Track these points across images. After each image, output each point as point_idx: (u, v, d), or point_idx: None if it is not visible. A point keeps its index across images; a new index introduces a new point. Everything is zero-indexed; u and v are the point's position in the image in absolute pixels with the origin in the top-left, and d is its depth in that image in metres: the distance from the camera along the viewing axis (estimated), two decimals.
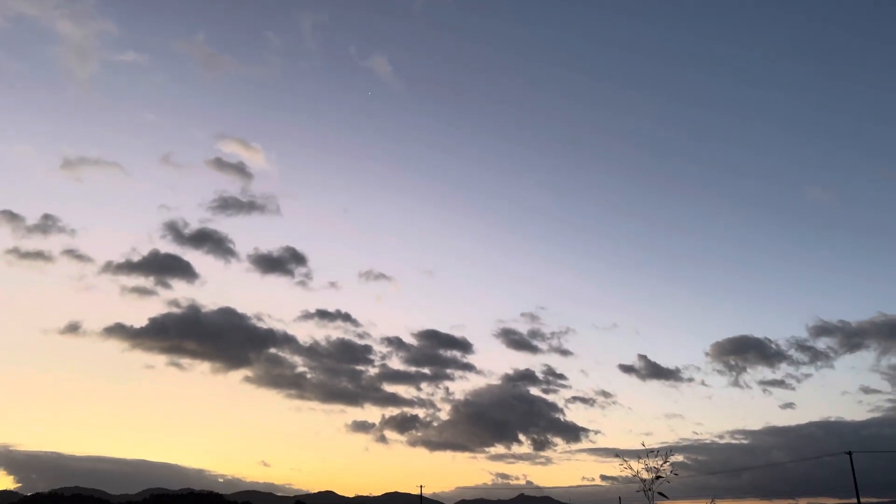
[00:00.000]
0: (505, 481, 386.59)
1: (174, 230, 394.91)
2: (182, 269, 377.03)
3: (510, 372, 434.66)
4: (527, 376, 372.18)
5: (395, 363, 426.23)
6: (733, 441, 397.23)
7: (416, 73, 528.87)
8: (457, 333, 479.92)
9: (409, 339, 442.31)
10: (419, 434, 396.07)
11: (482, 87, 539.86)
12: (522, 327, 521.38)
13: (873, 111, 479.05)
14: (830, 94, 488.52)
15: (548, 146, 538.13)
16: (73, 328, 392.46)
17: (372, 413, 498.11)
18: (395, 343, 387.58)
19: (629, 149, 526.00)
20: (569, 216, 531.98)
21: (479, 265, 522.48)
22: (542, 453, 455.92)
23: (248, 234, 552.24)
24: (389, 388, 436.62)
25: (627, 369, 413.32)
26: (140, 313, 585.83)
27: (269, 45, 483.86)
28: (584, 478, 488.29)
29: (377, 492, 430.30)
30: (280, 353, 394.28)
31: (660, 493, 14.88)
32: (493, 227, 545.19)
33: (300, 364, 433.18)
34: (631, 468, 14.86)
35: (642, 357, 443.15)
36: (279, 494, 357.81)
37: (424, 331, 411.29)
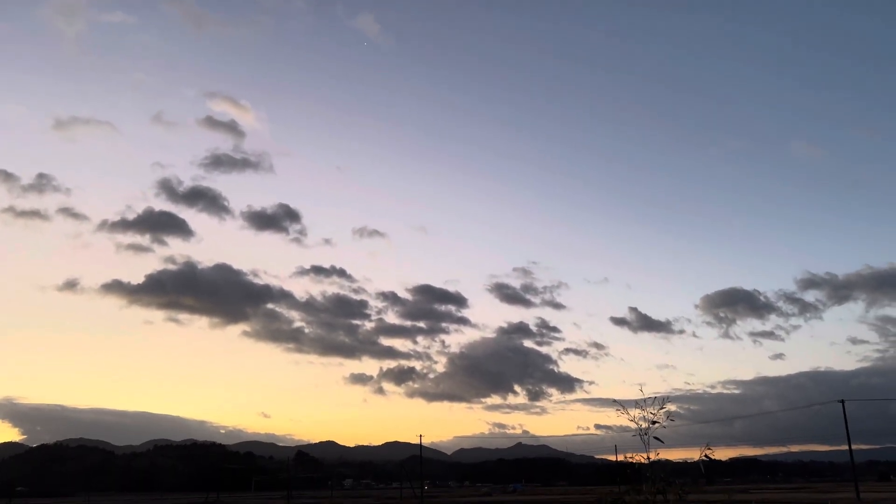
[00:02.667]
0: (502, 430, 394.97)
1: (168, 188, 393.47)
2: (177, 227, 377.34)
3: (504, 325, 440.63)
4: (521, 329, 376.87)
5: (391, 317, 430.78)
6: (725, 391, 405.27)
7: (403, 30, 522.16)
8: (451, 288, 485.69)
9: (404, 294, 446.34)
10: (416, 386, 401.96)
11: (470, 42, 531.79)
12: (515, 282, 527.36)
13: (861, 67, 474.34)
14: (818, 50, 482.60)
15: (537, 103, 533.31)
16: (70, 285, 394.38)
17: (369, 366, 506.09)
18: (391, 298, 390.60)
19: (620, 105, 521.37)
20: (560, 172, 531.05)
21: (471, 221, 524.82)
22: (538, 403, 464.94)
23: (241, 191, 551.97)
24: (386, 341, 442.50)
25: (619, 322, 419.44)
26: (137, 270, 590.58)
27: (257, 4, 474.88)
28: (578, 427, 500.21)
29: (377, 441, 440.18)
30: (277, 309, 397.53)
31: (656, 438, 15.26)
32: (484, 182, 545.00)
33: (297, 318, 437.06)
34: (628, 413, 15.24)
35: (633, 310, 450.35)
36: (280, 445, 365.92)
37: (419, 286, 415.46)
